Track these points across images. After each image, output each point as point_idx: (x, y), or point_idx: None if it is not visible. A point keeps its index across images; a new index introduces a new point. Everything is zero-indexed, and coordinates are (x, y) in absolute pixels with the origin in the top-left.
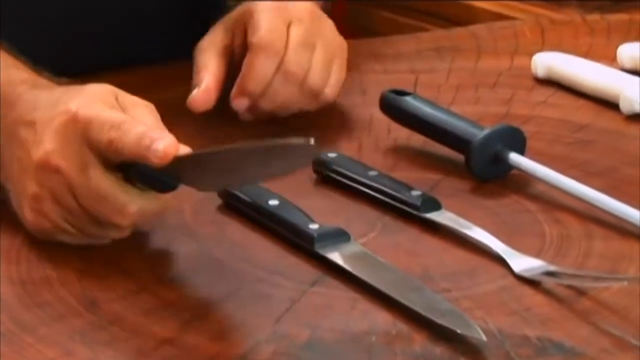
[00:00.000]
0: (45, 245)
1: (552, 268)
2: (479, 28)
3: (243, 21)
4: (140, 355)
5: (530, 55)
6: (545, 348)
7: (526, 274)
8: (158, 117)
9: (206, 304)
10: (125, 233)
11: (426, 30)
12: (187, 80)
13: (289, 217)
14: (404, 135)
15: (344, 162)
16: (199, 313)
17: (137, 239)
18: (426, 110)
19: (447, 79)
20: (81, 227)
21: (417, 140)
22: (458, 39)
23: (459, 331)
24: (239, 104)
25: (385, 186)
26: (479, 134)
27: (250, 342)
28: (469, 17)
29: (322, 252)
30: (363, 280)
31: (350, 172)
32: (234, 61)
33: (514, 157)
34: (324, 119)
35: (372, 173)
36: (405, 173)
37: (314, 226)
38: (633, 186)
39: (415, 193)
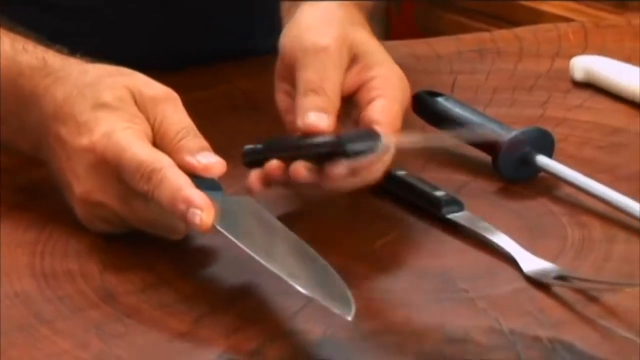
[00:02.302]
0: (70, 239)
1: (564, 272)
2: (522, 30)
3: (367, 75)
4: (154, 348)
5: (570, 58)
6: (555, 350)
7: (537, 277)
8: (182, 108)
9: (223, 299)
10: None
11: None
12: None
13: None
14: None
15: None
16: (215, 307)
17: None
18: (457, 111)
19: (486, 81)
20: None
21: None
22: (501, 41)
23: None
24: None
25: (409, 185)
26: (506, 135)
27: (263, 337)
28: (534, 21)
29: None
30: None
31: None
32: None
33: (542, 159)
34: None
35: (400, 172)
36: (434, 174)
37: None
38: None
39: (439, 193)
